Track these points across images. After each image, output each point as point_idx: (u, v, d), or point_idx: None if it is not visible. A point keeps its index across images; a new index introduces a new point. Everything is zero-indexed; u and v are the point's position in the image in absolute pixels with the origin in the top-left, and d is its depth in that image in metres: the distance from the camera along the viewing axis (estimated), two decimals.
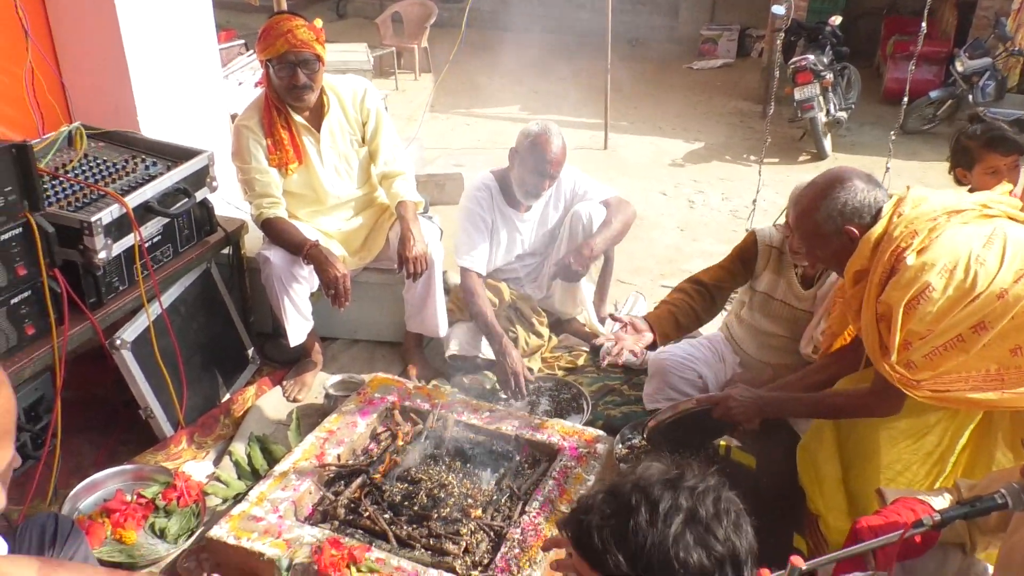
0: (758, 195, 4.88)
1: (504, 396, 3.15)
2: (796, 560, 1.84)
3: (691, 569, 1.23)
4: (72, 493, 2.58)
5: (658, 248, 4.93)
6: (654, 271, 4.60)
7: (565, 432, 2.80)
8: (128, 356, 2.73)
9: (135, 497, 2.61)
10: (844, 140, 7.12)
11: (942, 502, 2.02)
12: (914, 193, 2.16)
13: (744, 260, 2.93)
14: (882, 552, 1.89)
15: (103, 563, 2.29)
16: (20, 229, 2.33)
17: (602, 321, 3.71)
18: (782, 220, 2.96)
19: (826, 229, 2.18)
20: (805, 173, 6.25)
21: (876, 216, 2.14)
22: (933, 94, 7.02)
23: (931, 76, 7.55)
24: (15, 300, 2.37)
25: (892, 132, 4.45)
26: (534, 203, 3.42)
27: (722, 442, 2.96)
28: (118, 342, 2.71)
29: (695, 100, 8.40)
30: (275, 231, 3.06)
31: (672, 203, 5.76)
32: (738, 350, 3.13)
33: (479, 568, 2.31)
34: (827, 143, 6.71)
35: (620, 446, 2.92)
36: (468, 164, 5.54)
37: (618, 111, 7.33)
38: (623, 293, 4.16)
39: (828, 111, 6.75)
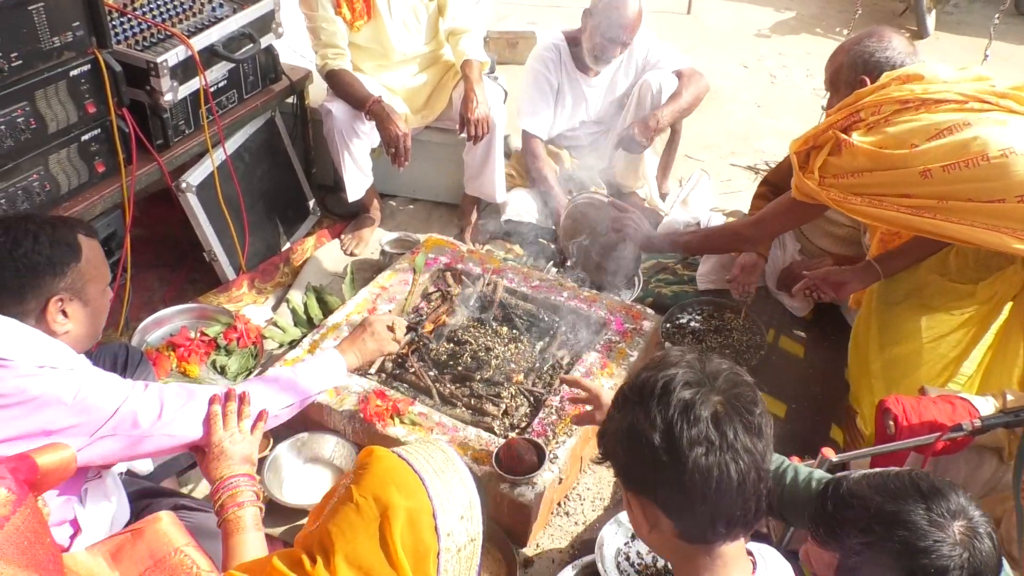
0: None
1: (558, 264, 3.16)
2: (827, 451, 1.87)
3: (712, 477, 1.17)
4: (141, 326, 2.74)
5: (732, 124, 4.72)
6: (724, 148, 4.43)
7: (613, 306, 2.81)
8: (193, 200, 2.81)
9: (198, 334, 2.76)
10: (950, 18, 6.55)
11: (987, 406, 1.99)
12: (918, 70, 2.10)
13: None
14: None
15: None
16: (88, 66, 2.34)
17: (663, 196, 3.63)
18: None
19: (847, 75, 2.23)
20: None
21: None
22: None
23: None
24: (85, 137, 2.42)
25: (997, 14, 4.06)
26: (603, 69, 3.28)
27: (770, 329, 2.95)
28: (184, 185, 2.78)
29: None
30: (339, 84, 3.03)
31: (752, 76, 5.46)
32: (800, 236, 3.05)
33: (516, 430, 2.40)
34: (930, 20, 6.18)
35: (667, 325, 2.94)
36: (541, 22, 5.32)
37: None
38: (688, 170, 4.04)
39: None
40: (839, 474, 1.64)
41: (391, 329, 2.22)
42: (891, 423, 1.93)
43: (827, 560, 1.27)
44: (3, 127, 2.16)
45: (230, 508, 1.60)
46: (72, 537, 1.71)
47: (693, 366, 1.22)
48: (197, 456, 1.76)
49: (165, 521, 1.52)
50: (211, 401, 1.75)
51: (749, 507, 1.18)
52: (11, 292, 1.58)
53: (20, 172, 2.27)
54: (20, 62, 2.14)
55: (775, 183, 2.91)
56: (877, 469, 1.32)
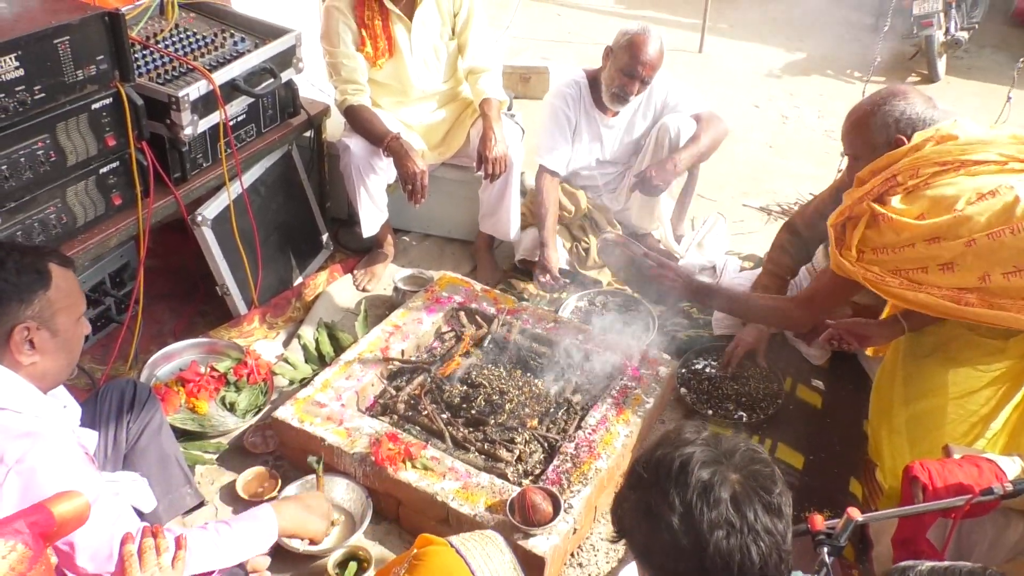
0: None
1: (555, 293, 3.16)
2: (853, 512, 1.82)
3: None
4: (151, 360, 2.71)
5: (743, 164, 4.72)
6: (736, 188, 4.42)
7: (629, 351, 2.78)
8: (208, 233, 2.79)
9: (208, 369, 2.73)
10: (960, 63, 6.59)
11: (1013, 467, 1.95)
12: (952, 129, 2.08)
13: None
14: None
15: (176, 430, 2.41)
16: (110, 99, 2.34)
17: (678, 239, 3.61)
18: None
19: (878, 138, 2.18)
20: None
21: None
22: None
23: None
24: (103, 170, 2.41)
25: (1021, 59, 4.08)
26: (621, 108, 3.28)
27: (787, 378, 2.91)
28: (199, 218, 2.76)
29: (802, 6, 7.83)
30: (358, 119, 3.02)
31: (764, 116, 5.48)
32: None
33: (530, 477, 2.36)
34: (941, 65, 6.22)
35: (683, 370, 2.90)
36: (555, 58, 5.35)
37: (719, 12, 6.90)
38: (701, 209, 4.03)
39: (947, 29, 6.21)
40: (903, 564, 1.60)
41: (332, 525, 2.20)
42: (919, 493, 1.89)
43: None
44: (23, 159, 2.15)
45: None
46: None
47: (709, 443, 1.23)
48: None
49: None
50: (123, 542, 1.54)
51: None
52: None
53: (37, 204, 2.25)
54: (43, 95, 2.14)
55: (798, 231, 2.87)
56: (946, 563, 1.26)
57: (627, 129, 3.37)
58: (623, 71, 3.10)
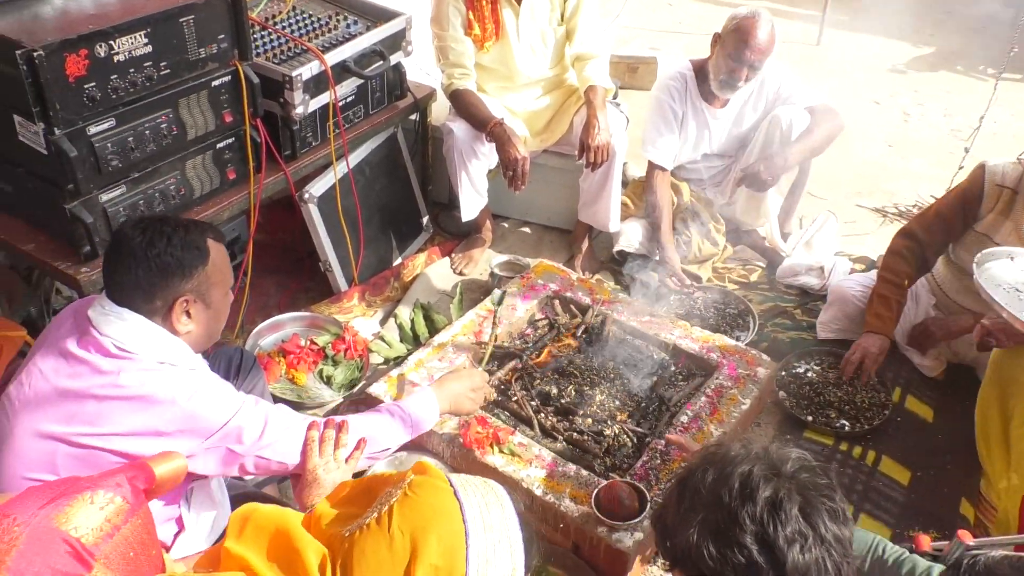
0: (987, 112, 4.20)
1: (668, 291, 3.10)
2: (964, 535, 1.71)
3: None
4: (256, 330, 2.81)
5: (859, 162, 4.49)
6: (850, 187, 4.22)
7: (727, 349, 2.69)
8: (314, 210, 2.87)
9: (308, 342, 2.81)
10: None
11: None
12: None
13: (967, 203, 2.58)
14: None
15: (276, 398, 2.50)
16: (229, 77, 2.42)
17: (785, 237, 3.47)
18: None
19: None
20: None
21: None
22: None
23: None
24: (220, 145, 2.50)
25: None
26: (730, 95, 3.15)
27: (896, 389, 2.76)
28: (307, 196, 2.84)
29: None
30: (463, 103, 3.04)
31: (884, 114, 5.20)
32: (936, 290, 2.84)
33: (617, 471, 2.32)
34: None
35: (783, 373, 2.79)
36: (664, 48, 5.23)
37: (840, 2, 6.58)
38: (810, 208, 3.86)
39: None
40: (976, 551, 1.51)
41: (486, 400, 2.27)
42: None
43: None
44: (148, 132, 2.25)
45: None
46: (176, 535, 1.75)
47: (762, 457, 1.21)
48: (292, 482, 1.77)
49: None
50: (309, 427, 1.76)
51: None
52: (142, 290, 1.63)
53: (159, 175, 2.36)
54: (168, 71, 2.24)
55: (919, 237, 2.69)
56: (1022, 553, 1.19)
57: (735, 121, 3.26)
58: (731, 56, 2.98)
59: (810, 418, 2.65)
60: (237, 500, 1.93)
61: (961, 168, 3.57)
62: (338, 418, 1.81)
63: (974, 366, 2.82)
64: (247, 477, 2.06)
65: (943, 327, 2.72)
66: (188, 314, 1.67)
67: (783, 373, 2.79)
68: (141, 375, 1.58)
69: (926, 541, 1.79)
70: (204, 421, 1.61)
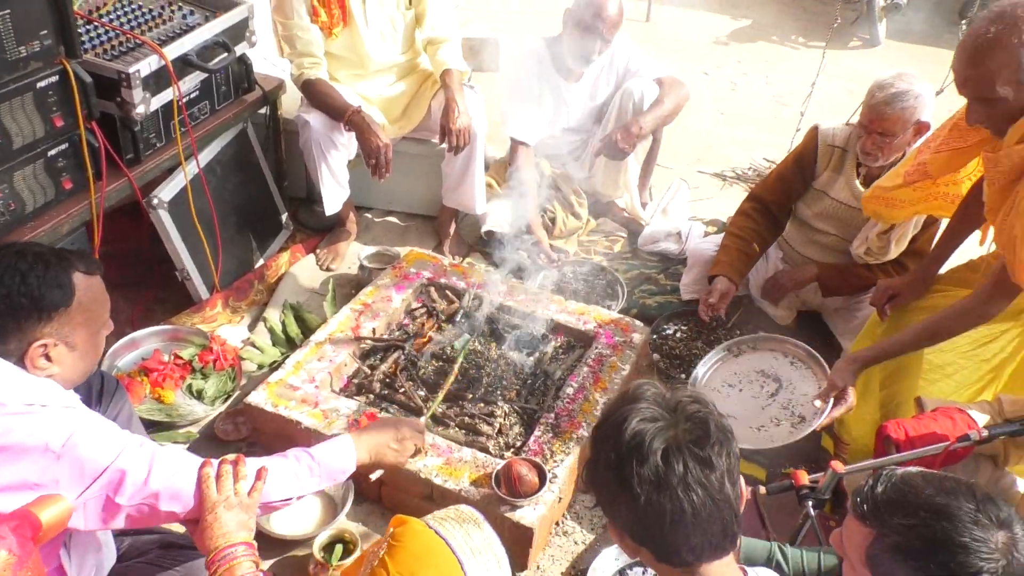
0: (817, 79, 4.53)
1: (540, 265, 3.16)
2: (837, 465, 1.86)
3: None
4: (112, 349, 2.61)
5: (696, 132, 4.75)
6: (691, 156, 4.46)
7: (601, 320, 2.78)
8: (165, 216, 2.69)
9: (172, 357, 2.64)
10: (898, 27, 6.74)
11: (980, 416, 2.02)
12: None
13: (803, 163, 2.80)
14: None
15: (145, 422, 2.33)
16: (56, 77, 2.21)
17: (643, 205, 3.62)
18: (856, 118, 2.76)
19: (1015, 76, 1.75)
20: (856, 61, 5.96)
21: None
22: None
23: None
24: (52, 152, 2.29)
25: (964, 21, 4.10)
26: (584, 68, 3.24)
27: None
28: (155, 201, 2.66)
29: None
30: (316, 93, 2.93)
31: (713, 84, 5.52)
32: (782, 244, 3.06)
33: (511, 450, 2.35)
34: (881, 29, 6.36)
35: (655, 336, 2.92)
36: (505, 30, 5.27)
37: None
38: (661, 179, 4.04)
39: None
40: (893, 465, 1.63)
41: (417, 451, 2.08)
42: (892, 450, 1.94)
43: (860, 538, 1.25)
44: None
45: None
46: None
47: (658, 401, 1.26)
48: (189, 529, 1.59)
49: None
50: (202, 466, 1.58)
51: (713, 534, 1.21)
52: None
53: None
54: None
55: (763, 198, 2.90)
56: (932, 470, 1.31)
57: (591, 94, 3.35)
58: (585, 31, 3.06)
59: (684, 375, 2.79)
60: (117, 531, 1.78)
61: (798, 130, 3.86)
62: (231, 456, 1.63)
63: (820, 311, 3.07)
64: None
65: (792, 278, 2.94)
66: (48, 358, 1.50)
67: (655, 337, 2.92)
68: (6, 421, 1.39)
69: (803, 476, 1.94)
70: (83, 465, 1.43)
